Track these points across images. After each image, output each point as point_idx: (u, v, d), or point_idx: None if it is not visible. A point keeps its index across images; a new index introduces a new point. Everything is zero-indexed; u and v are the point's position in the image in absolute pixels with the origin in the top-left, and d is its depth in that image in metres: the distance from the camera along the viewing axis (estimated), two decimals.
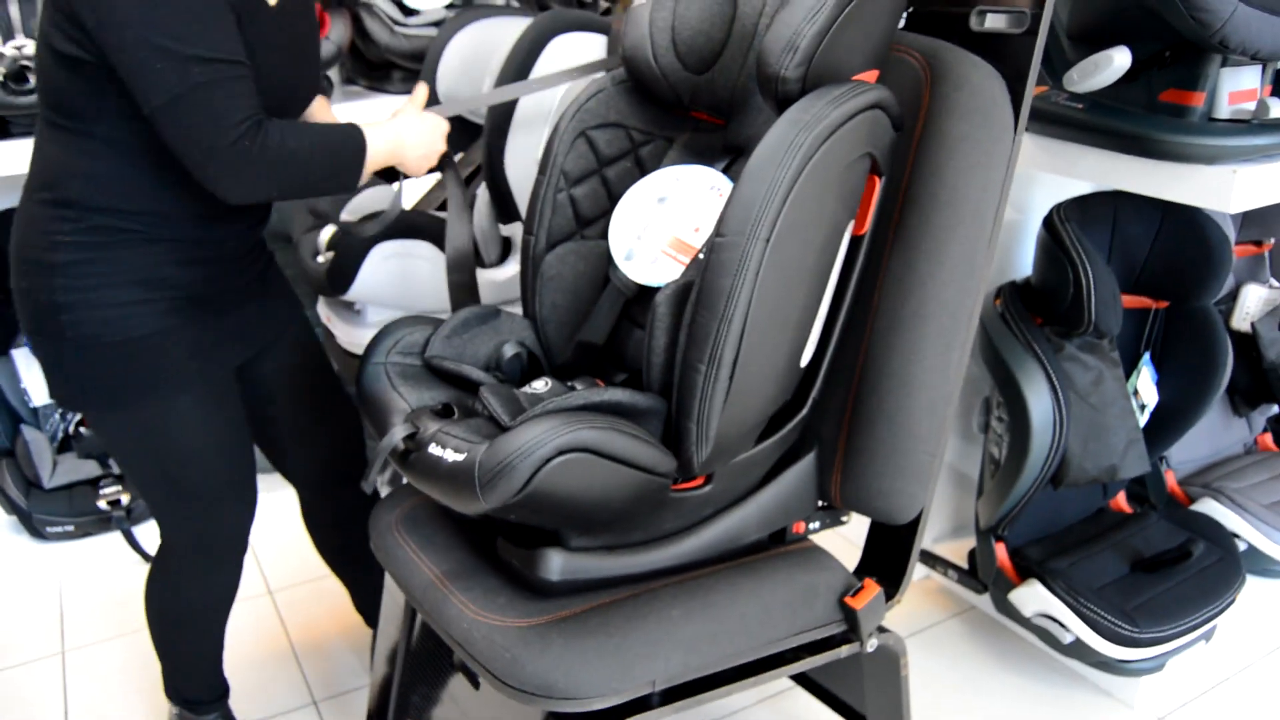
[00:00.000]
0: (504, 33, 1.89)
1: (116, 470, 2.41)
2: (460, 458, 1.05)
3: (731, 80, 1.35)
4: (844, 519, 1.41)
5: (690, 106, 1.39)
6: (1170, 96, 1.59)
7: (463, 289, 1.56)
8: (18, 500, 2.36)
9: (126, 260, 1.29)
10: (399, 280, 1.86)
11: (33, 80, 1.95)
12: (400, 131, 1.38)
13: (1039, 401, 1.72)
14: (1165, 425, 1.97)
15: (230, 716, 1.72)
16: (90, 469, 2.41)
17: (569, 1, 2.58)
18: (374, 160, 1.34)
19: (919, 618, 2.10)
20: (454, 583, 1.22)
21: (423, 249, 1.88)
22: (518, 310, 1.43)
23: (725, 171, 1.33)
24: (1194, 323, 1.95)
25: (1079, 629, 1.74)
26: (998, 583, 1.90)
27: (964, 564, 2.02)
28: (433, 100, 2.02)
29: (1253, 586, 1.97)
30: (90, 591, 2.21)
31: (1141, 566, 1.85)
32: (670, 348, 1.11)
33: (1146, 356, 1.97)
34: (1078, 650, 1.79)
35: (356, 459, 1.69)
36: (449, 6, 2.49)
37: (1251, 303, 2.16)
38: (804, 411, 1.25)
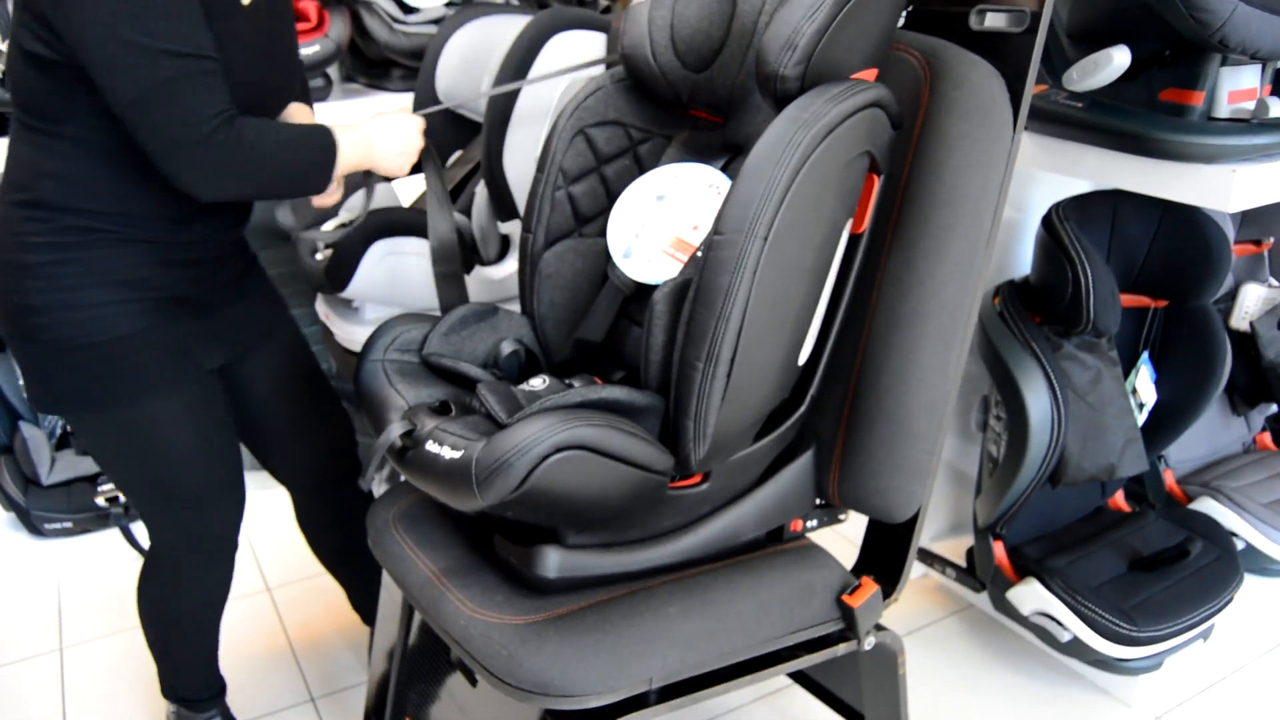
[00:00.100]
0: (503, 30, 1.89)
1: None
2: (457, 455, 1.05)
3: (730, 78, 1.35)
4: (842, 517, 1.41)
5: (689, 104, 1.39)
6: (1170, 95, 1.59)
7: (449, 280, 1.55)
8: (16, 497, 2.36)
9: (100, 261, 1.28)
10: (397, 277, 1.86)
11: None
12: (372, 133, 1.37)
13: (1037, 400, 1.72)
14: (1164, 424, 1.97)
15: (228, 713, 1.72)
16: (88, 466, 2.41)
17: None
18: (346, 162, 1.33)
19: (917, 616, 2.10)
20: (451, 580, 1.22)
21: (421, 246, 1.88)
22: (516, 308, 1.43)
23: (724, 169, 1.33)
24: (1193, 322, 1.95)
25: (1077, 627, 1.74)
26: (996, 581, 1.90)
27: (962, 562, 2.02)
28: (430, 100, 2.03)
29: (1251, 585, 1.97)
30: (88, 588, 2.21)
31: (1139, 565, 1.85)
32: (668, 345, 1.11)
33: (1145, 355, 1.97)
34: (1075, 649, 1.79)
35: (348, 459, 1.69)
36: (448, 4, 2.49)
37: (1250, 302, 2.16)
38: (802, 409, 1.25)
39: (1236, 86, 1.57)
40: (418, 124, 1.44)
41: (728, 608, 1.20)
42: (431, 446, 1.08)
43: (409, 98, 2.14)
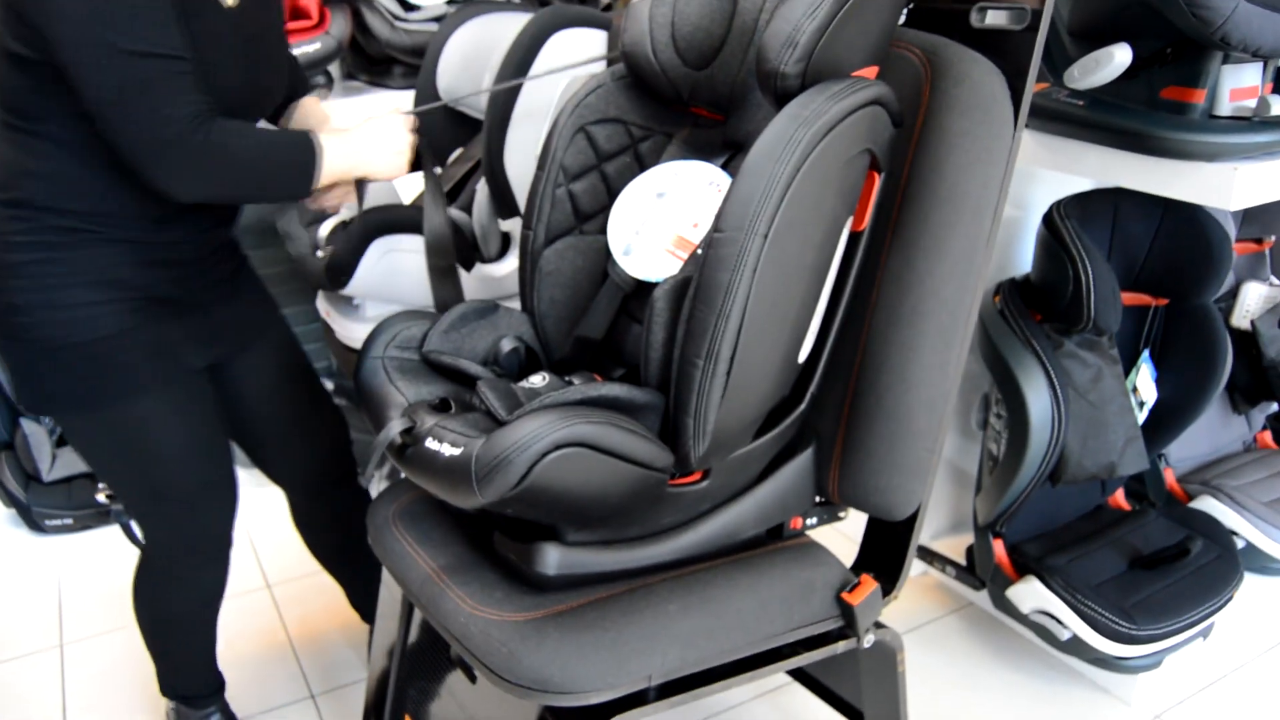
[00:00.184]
0: (504, 28, 1.89)
1: None
2: (457, 452, 1.05)
3: (731, 76, 1.35)
4: (841, 515, 1.41)
5: (690, 102, 1.38)
6: (1171, 93, 1.59)
7: (443, 274, 1.55)
8: (17, 493, 2.36)
9: (83, 261, 1.28)
10: (397, 275, 1.86)
11: None
12: (359, 141, 1.36)
13: (1038, 398, 1.72)
14: (1164, 423, 1.97)
15: (227, 710, 1.73)
16: None
17: None
18: (332, 170, 1.32)
19: (917, 614, 2.10)
20: (451, 577, 1.22)
21: (421, 244, 1.88)
22: (516, 305, 1.43)
23: (724, 167, 1.33)
24: (1194, 320, 1.95)
25: (1076, 626, 1.74)
26: (995, 579, 1.90)
27: (962, 560, 2.02)
28: (431, 97, 2.02)
29: (1251, 584, 1.97)
30: (89, 584, 2.22)
31: (1139, 564, 1.85)
32: (668, 343, 1.11)
33: (1146, 354, 1.97)
34: (1075, 647, 1.79)
35: (343, 459, 1.68)
36: (449, 1, 2.48)
37: (1251, 300, 2.15)
38: (802, 407, 1.25)
39: (1238, 84, 1.57)
40: (408, 122, 1.43)
41: (727, 605, 1.20)
42: (431, 443, 1.09)
43: (410, 95, 2.14)
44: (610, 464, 1.04)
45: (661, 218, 1.32)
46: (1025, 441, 1.73)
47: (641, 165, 1.40)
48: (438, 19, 2.47)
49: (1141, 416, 1.92)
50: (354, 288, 1.85)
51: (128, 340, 1.32)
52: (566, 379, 1.28)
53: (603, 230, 1.38)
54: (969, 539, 1.99)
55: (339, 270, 1.82)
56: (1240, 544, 2.00)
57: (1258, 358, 2.14)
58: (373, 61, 2.66)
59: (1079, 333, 1.78)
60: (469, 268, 1.97)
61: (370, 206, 1.80)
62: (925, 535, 2.13)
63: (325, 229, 1.94)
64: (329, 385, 2.75)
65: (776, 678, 1.81)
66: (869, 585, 1.30)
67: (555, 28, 1.82)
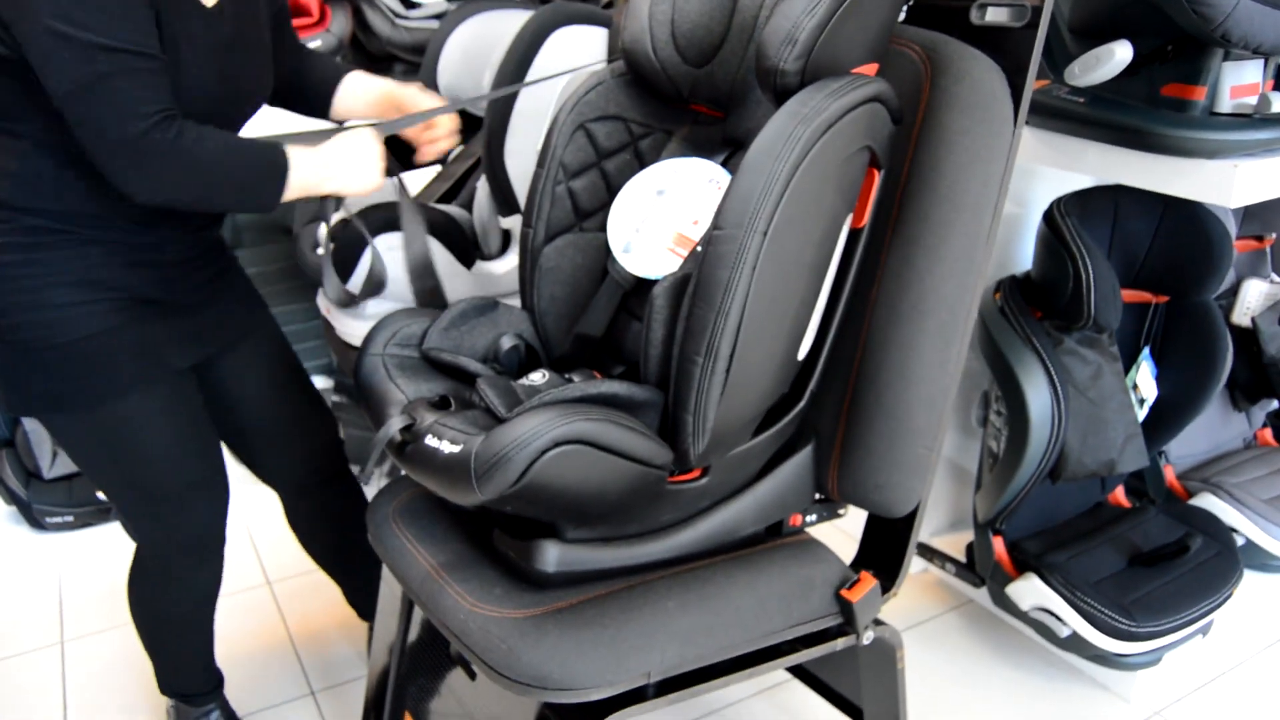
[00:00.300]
0: (505, 26, 1.89)
1: None
2: (456, 449, 1.05)
3: (731, 73, 1.35)
4: (841, 512, 1.41)
5: (690, 99, 1.38)
6: (1172, 91, 1.59)
7: (428, 294, 1.55)
8: (17, 491, 2.37)
9: (63, 262, 1.27)
10: (398, 272, 1.86)
11: None
12: (329, 156, 1.33)
13: (1037, 395, 1.72)
14: (1164, 420, 1.97)
15: (227, 707, 1.73)
16: None
17: None
18: (301, 184, 1.29)
19: (916, 611, 2.10)
20: (451, 574, 1.22)
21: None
22: (516, 302, 1.43)
23: (724, 164, 1.33)
24: (1194, 317, 1.95)
25: (1076, 623, 1.74)
26: (995, 576, 1.90)
27: (961, 557, 2.02)
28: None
29: (1251, 581, 1.97)
30: (89, 582, 2.22)
31: (1139, 561, 1.85)
32: (667, 340, 1.11)
33: (1146, 351, 1.97)
34: (1074, 644, 1.79)
35: (333, 458, 1.68)
36: None
37: (1252, 298, 2.15)
38: (801, 404, 1.25)
39: (1238, 81, 1.57)
40: (377, 144, 1.38)
41: (726, 602, 1.21)
42: (431, 441, 1.09)
43: None
44: (609, 461, 1.04)
45: (661, 215, 1.32)
46: (1025, 438, 1.73)
47: (641, 162, 1.40)
48: (438, 16, 2.47)
49: (1141, 414, 1.92)
50: (354, 285, 1.85)
51: (112, 340, 1.31)
52: (566, 376, 1.28)
53: (603, 228, 1.38)
54: (969, 536, 1.99)
55: (339, 267, 1.82)
56: (1240, 541, 2.00)
57: (1258, 355, 2.14)
58: (373, 59, 2.66)
59: (1079, 330, 1.78)
60: (469, 265, 1.97)
61: (370, 204, 1.81)
62: (925, 532, 2.13)
63: (324, 228, 1.94)
64: (329, 382, 2.76)
65: (776, 675, 1.81)
66: (868, 582, 1.30)
67: (556, 25, 1.81)
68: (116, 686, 1.90)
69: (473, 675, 1.36)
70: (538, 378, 1.23)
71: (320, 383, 2.78)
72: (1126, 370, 1.89)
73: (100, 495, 2.36)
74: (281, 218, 2.60)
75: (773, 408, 1.22)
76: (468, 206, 2.08)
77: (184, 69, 1.23)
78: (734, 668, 1.23)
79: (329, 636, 2.04)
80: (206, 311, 1.44)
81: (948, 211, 1.19)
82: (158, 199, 1.21)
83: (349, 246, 1.82)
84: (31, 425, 2.42)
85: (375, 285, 1.59)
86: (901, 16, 1.32)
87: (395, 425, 1.13)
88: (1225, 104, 1.57)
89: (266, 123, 1.65)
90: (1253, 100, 1.56)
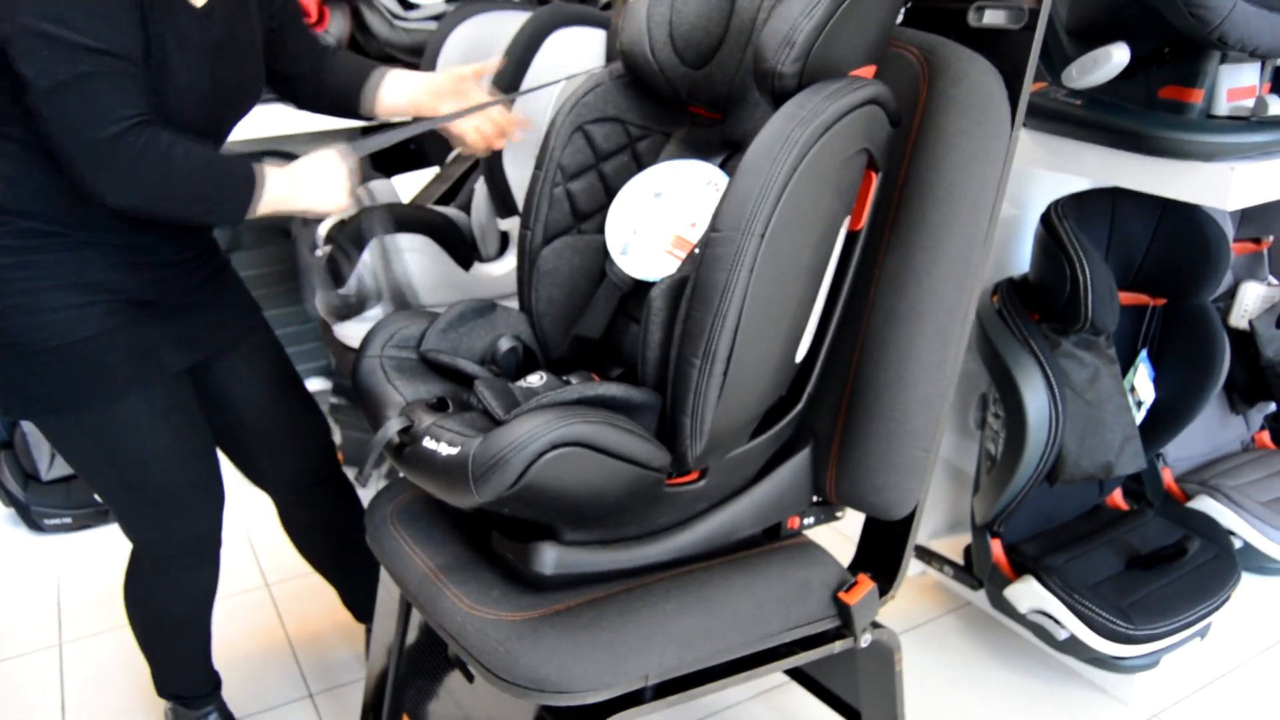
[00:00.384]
0: (503, 27, 1.89)
1: None
2: (454, 451, 1.05)
3: (729, 75, 1.35)
4: (839, 514, 1.41)
5: (688, 101, 1.38)
6: (1169, 93, 1.59)
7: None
8: (15, 492, 2.37)
9: (56, 264, 1.27)
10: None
11: None
12: (298, 175, 1.31)
13: (1035, 398, 1.72)
14: (1162, 422, 1.97)
15: (225, 709, 1.73)
16: None
17: None
18: (271, 201, 1.27)
19: (914, 614, 2.10)
20: (448, 576, 1.22)
21: (420, 243, 1.88)
22: (514, 304, 1.43)
23: (722, 166, 1.33)
24: (1191, 320, 1.95)
25: (1074, 625, 1.74)
26: (993, 579, 1.90)
27: (959, 560, 2.02)
28: None
29: (1248, 584, 1.97)
30: (87, 584, 2.22)
31: (1137, 563, 1.85)
32: (665, 342, 1.11)
33: (1144, 353, 1.97)
34: (1072, 647, 1.79)
35: (326, 460, 1.68)
36: (448, 0, 2.48)
37: (1250, 300, 2.15)
38: (799, 407, 1.25)
39: (1235, 84, 1.57)
40: (343, 168, 1.35)
41: (724, 605, 1.20)
42: (428, 443, 1.09)
43: None
44: (607, 463, 1.04)
45: (659, 217, 1.33)
46: (1023, 441, 1.73)
47: (639, 164, 1.40)
48: (437, 17, 2.47)
49: (1139, 416, 1.92)
50: (348, 290, 1.85)
51: (107, 343, 1.31)
52: (564, 378, 1.28)
53: (601, 229, 1.38)
54: (966, 538, 1.99)
55: (337, 269, 1.82)
56: (1238, 544, 2.00)
57: (1256, 357, 2.14)
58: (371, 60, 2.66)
59: (1076, 332, 1.78)
60: (468, 267, 1.97)
61: (369, 205, 1.81)
62: (923, 535, 2.13)
63: (323, 228, 1.94)
64: (327, 384, 2.76)
65: (774, 677, 1.81)
66: (866, 585, 1.30)
67: (554, 26, 1.82)
68: (114, 688, 1.90)
69: (470, 677, 1.36)
70: (535, 380, 1.23)
71: (318, 384, 2.78)
72: (1124, 373, 1.89)
73: (98, 497, 2.36)
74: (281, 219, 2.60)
75: (770, 410, 1.22)
76: (466, 208, 2.08)
77: (175, 70, 1.23)
78: (732, 670, 1.23)
79: (327, 639, 2.04)
80: (201, 314, 1.44)
81: (945, 214, 1.19)
82: (121, 202, 1.20)
83: (346, 248, 1.82)
84: (30, 427, 2.42)
85: (361, 301, 1.57)
86: (899, 19, 1.32)
87: (393, 427, 1.13)
88: (1222, 106, 1.57)
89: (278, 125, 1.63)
90: (1250, 103, 1.57)
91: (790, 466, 1.30)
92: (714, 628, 1.19)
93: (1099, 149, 1.64)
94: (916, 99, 1.21)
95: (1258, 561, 2.06)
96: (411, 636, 1.50)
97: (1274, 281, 2.23)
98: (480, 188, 1.93)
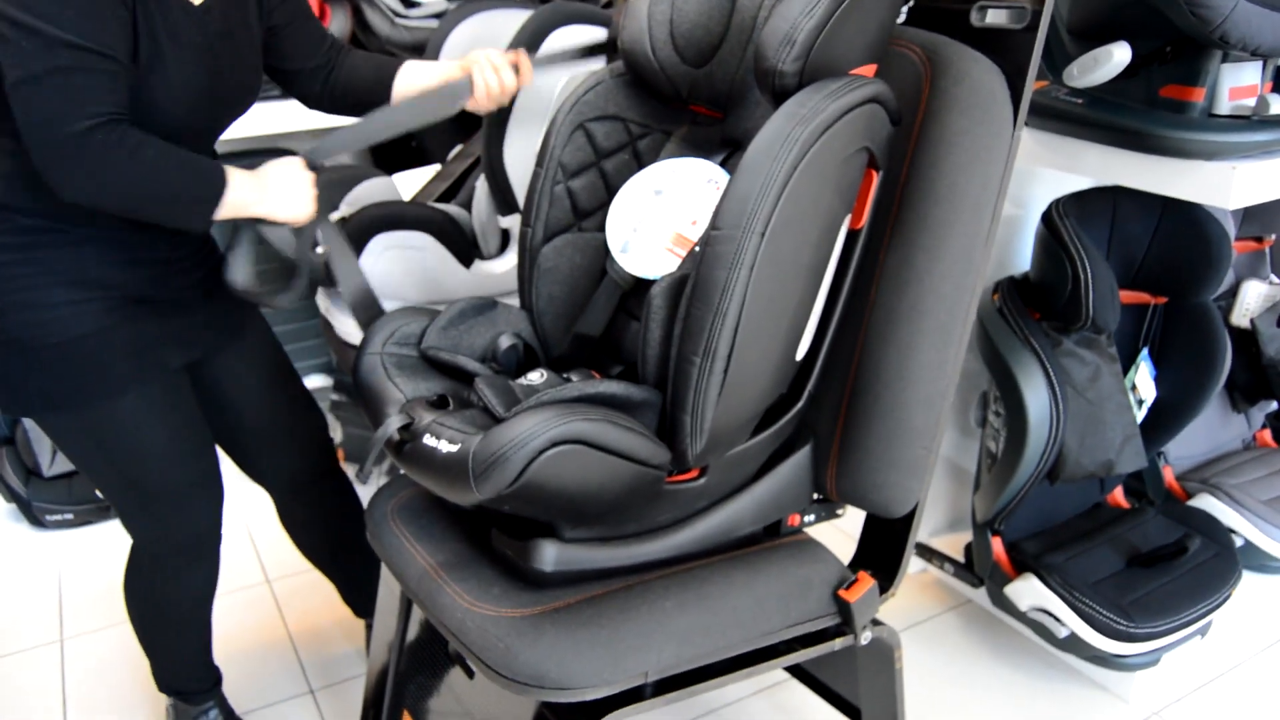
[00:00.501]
0: (505, 25, 1.89)
1: None
2: (454, 449, 1.05)
3: (730, 74, 1.35)
4: (839, 512, 1.41)
5: (688, 100, 1.39)
6: (1170, 92, 1.59)
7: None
8: (17, 488, 2.37)
9: (55, 261, 1.27)
10: (396, 271, 1.86)
11: None
12: (262, 182, 1.31)
13: (1036, 396, 1.72)
14: (1163, 421, 1.97)
15: (225, 705, 1.73)
16: None
17: None
18: (234, 205, 1.26)
19: (914, 611, 2.10)
20: (449, 573, 1.22)
21: (421, 240, 1.89)
22: (515, 302, 1.43)
23: (723, 165, 1.33)
24: (1193, 318, 1.95)
25: (1074, 623, 1.74)
26: (994, 577, 1.90)
27: (960, 558, 2.02)
28: None
29: (1249, 582, 1.97)
30: (89, 579, 2.22)
31: (1138, 561, 1.85)
32: (665, 340, 1.11)
33: (1145, 352, 1.97)
34: (1073, 645, 1.79)
35: (324, 456, 1.68)
36: None
37: (1251, 299, 2.15)
38: (799, 404, 1.25)
39: (1237, 83, 1.57)
40: (308, 177, 1.36)
41: (724, 602, 1.21)
42: (429, 440, 1.09)
43: None
44: (607, 461, 1.04)
45: (660, 215, 1.33)
46: (1023, 439, 1.73)
47: (640, 162, 1.40)
48: (438, 15, 2.47)
49: (1140, 415, 1.92)
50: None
51: (105, 339, 1.31)
52: (564, 376, 1.28)
53: (601, 227, 1.38)
54: (967, 536, 2.00)
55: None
56: (1239, 542, 2.00)
57: (1257, 356, 2.14)
58: None
59: (1077, 331, 1.78)
60: (468, 265, 1.98)
61: (369, 203, 1.81)
62: (923, 532, 2.13)
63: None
64: (328, 381, 2.76)
65: (774, 674, 1.81)
66: (866, 582, 1.30)
67: (555, 24, 1.82)
68: (116, 684, 1.90)
69: (471, 674, 1.37)
70: (536, 377, 1.23)
71: (319, 381, 2.78)
72: (1125, 371, 1.89)
73: (100, 493, 2.36)
74: None
75: (771, 408, 1.22)
76: (467, 206, 2.08)
77: (171, 67, 1.22)
78: (732, 667, 1.24)
79: (328, 634, 2.04)
80: (199, 311, 1.44)
81: (947, 212, 1.19)
82: (83, 199, 1.19)
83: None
84: (31, 422, 2.43)
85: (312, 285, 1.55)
86: (902, 18, 1.32)
87: (393, 424, 1.13)
88: (1224, 105, 1.57)
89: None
90: (1251, 102, 1.57)
91: (791, 464, 1.30)
92: (714, 625, 1.19)
93: (1100, 148, 1.64)
94: (919, 98, 1.21)
95: (1258, 560, 2.06)
96: (412, 633, 1.50)
97: (1275, 280, 2.22)
98: (481, 185, 1.94)
